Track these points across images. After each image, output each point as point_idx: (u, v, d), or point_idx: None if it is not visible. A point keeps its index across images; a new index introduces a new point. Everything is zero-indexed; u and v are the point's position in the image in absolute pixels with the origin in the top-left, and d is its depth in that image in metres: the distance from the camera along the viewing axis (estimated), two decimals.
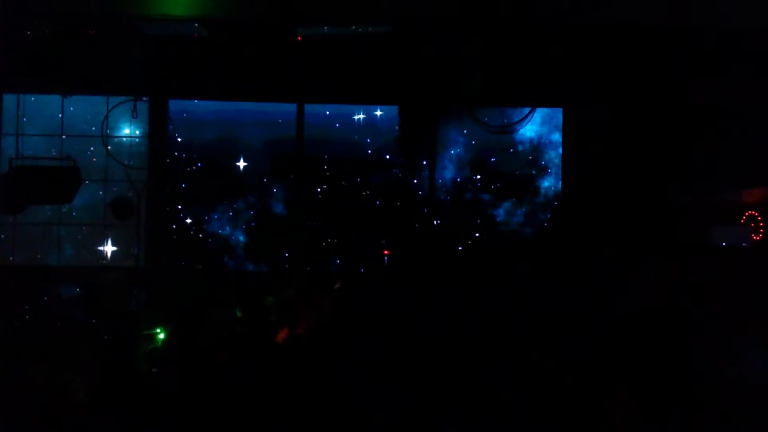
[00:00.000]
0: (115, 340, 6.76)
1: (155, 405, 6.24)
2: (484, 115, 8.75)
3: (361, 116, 8.90)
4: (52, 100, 8.67)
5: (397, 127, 8.81)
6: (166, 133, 8.77)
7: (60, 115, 8.72)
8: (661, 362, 6.22)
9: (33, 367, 6.37)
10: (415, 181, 8.76)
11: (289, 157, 8.79)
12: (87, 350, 6.70)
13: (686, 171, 8.08)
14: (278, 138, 8.87)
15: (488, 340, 7.26)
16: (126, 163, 8.68)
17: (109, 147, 8.67)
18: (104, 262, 8.75)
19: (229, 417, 6.07)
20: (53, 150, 8.69)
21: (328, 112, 8.93)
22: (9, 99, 7.98)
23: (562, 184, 8.71)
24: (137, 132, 8.83)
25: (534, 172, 8.82)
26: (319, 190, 8.83)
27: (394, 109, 8.80)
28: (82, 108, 8.79)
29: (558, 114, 8.80)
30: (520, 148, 8.83)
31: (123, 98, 8.65)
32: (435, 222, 8.70)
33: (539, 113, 8.76)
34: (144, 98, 8.68)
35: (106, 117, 8.69)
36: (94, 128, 8.75)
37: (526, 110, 8.71)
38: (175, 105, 8.82)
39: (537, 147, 8.83)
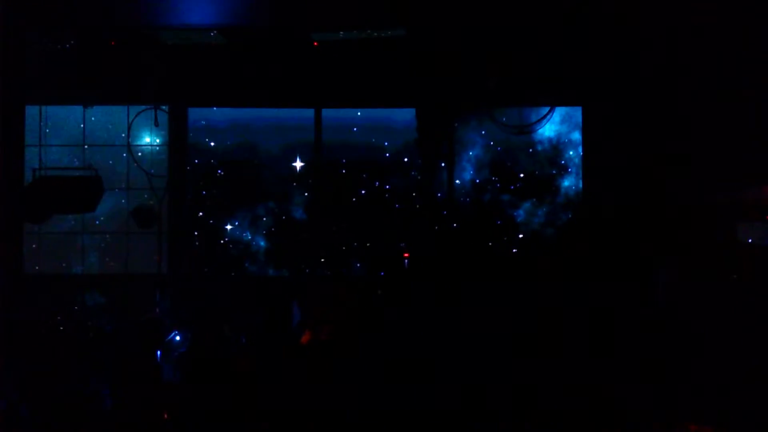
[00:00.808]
0: (139, 346, 6.83)
1: (180, 411, 6.29)
2: (502, 115, 8.71)
3: (379, 119, 8.90)
4: (74, 111, 8.78)
5: (414, 130, 8.80)
6: (186, 140, 8.84)
7: (81, 125, 8.84)
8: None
9: (64, 375, 6.48)
10: (434, 183, 8.73)
11: (308, 161, 8.82)
12: (113, 357, 6.78)
13: (710, 169, 7.97)
14: (297, 143, 8.90)
15: (509, 339, 7.26)
16: (147, 172, 8.77)
17: (138, 153, 8.78)
18: (127, 269, 8.84)
19: (255, 420, 6.11)
20: (75, 160, 8.81)
21: (343, 117, 8.95)
22: (31, 110, 8.08)
23: (583, 183, 8.64)
24: (157, 140, 8.91)
25: (554, 171, 8.76)
26: (338, 194, 8.84)
27: (411, 112, 8.78)
28: (102, 118, 8.90)
29: (577, 112, 8.73)
30: (539, 147, 8.77)
31: (143, 107, 8.74)
32: (454, 224, 8.67)
33: (558, 112, 8.71)
34: (163, 107, 8.76)
35: (129, 126, 8.79)
36: (122, 136, 8.85)
37: (544, 110, 8.65)
38: (193, 113, 8.90)
39: (556, 146, 8.77)
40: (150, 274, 8.70)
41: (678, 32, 7.61)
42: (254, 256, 8.86)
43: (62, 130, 8.81)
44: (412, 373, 6.50)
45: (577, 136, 8.75)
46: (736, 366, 6.41)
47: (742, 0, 7.05)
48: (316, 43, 8.10)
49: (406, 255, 8.60)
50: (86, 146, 8.85)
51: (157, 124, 8.73)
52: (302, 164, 8.81)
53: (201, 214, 8.90)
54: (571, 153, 8.77)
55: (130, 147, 8.79)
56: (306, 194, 8.83)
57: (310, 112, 8.86)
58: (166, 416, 6.22)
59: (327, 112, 8.84)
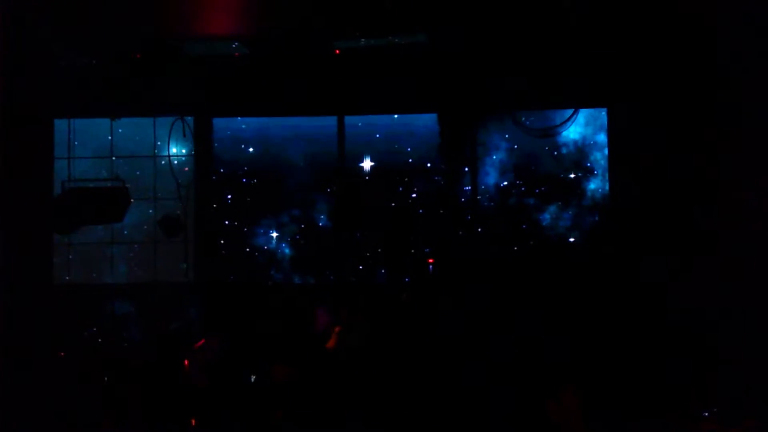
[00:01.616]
0: (167, 355, 6.90)
1: (209, 417, 6.34)
2: (526, 118, 8.65)
3: (401, 125, 8.91)
4: (102, 123, 8.93)
5: (437, 135, 8.78)
6: (212, 150, 8.94)
7: (109, 137, 8.99)
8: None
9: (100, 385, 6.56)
10: (457, 188, 8.70)
11: (332, 168, 8.87)
12: (143, 366, 6.87)
13: (740, 170, 7.81)
14: (321, 150, 8.94)
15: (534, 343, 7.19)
16: (178, 181, 8.89)
17: (162, 162, 8.90)
18: (156, 278, 8.95)
19: (284, 427, 6.13)
20: (103, 171, 8.96)
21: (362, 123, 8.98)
22: (60, 124, 8.21)
23: (610, 186, 8.54)
24: (183, 151, 9.03)
25: (580, 174, 8.67)
26: (361, 200, 8.86)
27: (433, 117, 8.77)
28: (129, 129, 9.04)
29: (602, 114, 8.64)
30: (564, 150, 8.69)
31: (170, 118, 8.85)
32: (479, 229, 8.62)
33: (582, 114, 8.62)
34: (188, 117, 8.87)
35: (155, 137, 8.93)
36: (149, 146, 8.96)
37: (568, 112, 8.58)
38: (218, 123, 9.00)
39: (581, 149, 8.68)
40: (178, 282, 8.80)
41: (708, 30, 7.47)
42: (279, 263, 8.92)
43: (90, 143, 8.97)
44: (436, 378, 6.48)
45: (602, 138, 8.65)
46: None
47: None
48: (337, 51, 8.14)
49: (430, 261, 8.58)
50: (114, 158, 9.00)
51: (185, 135, 8.85)
52: (326, 171, 8.84)
53: (227, 222, 8.99)
54: (597, 155, 8.67)
55: (168, 158, 8.90)
56: (330, 201, 8.86)
57: (333, 120, 8.90)
58: (193, 423, 6.27)
59: (350, 119, 8.88)
